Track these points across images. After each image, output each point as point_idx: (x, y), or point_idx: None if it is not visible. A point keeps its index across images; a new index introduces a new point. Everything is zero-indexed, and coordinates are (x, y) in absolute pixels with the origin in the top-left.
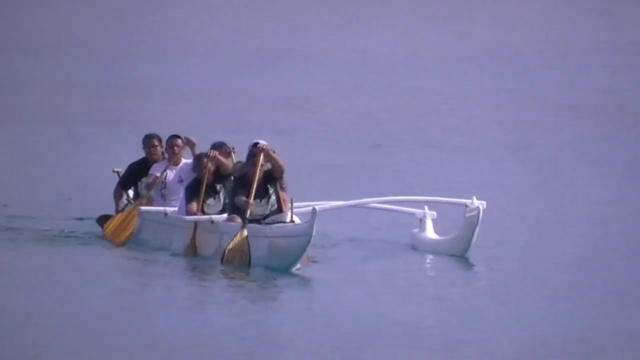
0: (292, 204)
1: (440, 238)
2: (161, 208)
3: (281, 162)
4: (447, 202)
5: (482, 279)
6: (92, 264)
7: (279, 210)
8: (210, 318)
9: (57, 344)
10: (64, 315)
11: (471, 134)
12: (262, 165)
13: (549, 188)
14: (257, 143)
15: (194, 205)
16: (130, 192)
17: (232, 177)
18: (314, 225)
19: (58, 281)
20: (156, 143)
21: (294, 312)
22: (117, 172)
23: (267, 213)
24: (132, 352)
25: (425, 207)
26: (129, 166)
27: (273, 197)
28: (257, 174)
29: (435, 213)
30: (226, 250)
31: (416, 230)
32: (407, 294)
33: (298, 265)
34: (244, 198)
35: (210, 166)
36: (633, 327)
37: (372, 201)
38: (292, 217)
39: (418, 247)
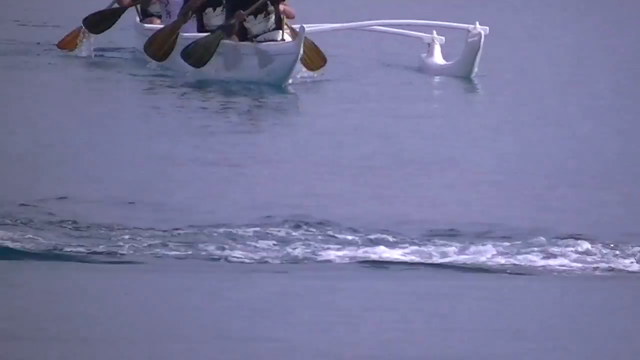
0: (285, 22)
1: (446, 63)
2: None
3: None
4: (449, 27)
5: (483, 102)
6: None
7: (278, 29)
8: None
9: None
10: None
11: None
12: None
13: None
14: None
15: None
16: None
17: None
18: (301, 44)
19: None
20: None
21: (281, 133)
22: None
23: (264, 31)
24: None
25: (434, 31)
26: None
27: (272, 16)
28: None
29: (443, 38)
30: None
31: (424, 54)
32: (401, 116)
33: (290, 80)
34: (241, 11)
35: None
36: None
37: (376, 24)
38: (283, 35)
39: (425, 71)
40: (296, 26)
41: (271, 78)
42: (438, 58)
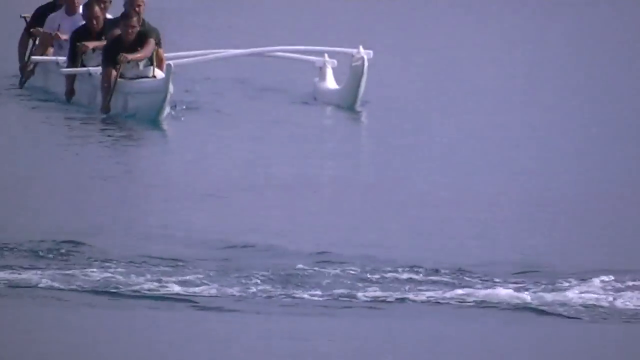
0: (156, 60)
1: (334, 88)
2: (53, 58)
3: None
4: (334, 52)
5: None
6: None
7: (150, 66)
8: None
9: None
10: None
11: None
12: (134, 27)
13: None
14: None
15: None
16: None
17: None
18: (169, 82)
19: None
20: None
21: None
22: (25, 18)
23: (138, 74)
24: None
25: (326, 55)
26: (36, 10)
27: (146, 60)
28: (129, 37)
29: (335, 61)
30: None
31: (316, 79)
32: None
33: (165, 114)
34: (124, 55)
35: (99, 14)
36: None
37: (264, 51)
38: (154, 72)
39: (318, 97)
40: (190, 53)
41: (143, 114)
42: (330, 82)
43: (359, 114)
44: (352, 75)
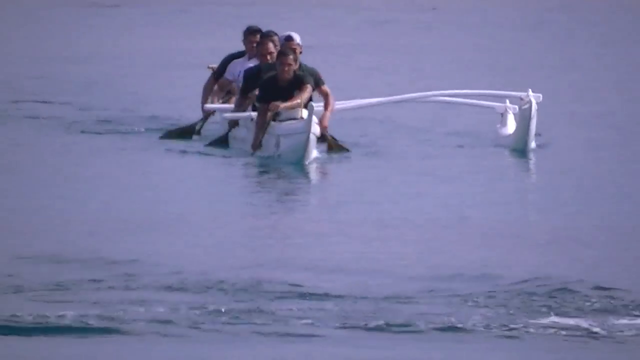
0: (306, 100)
1: (508, 133)
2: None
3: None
4: (500, 96)
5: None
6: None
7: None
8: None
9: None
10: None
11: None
12: (291, 65)
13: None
14: (290, 37)
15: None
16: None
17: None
18: (311, 123)
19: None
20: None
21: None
22: (212, 68)
23: (289, 116)
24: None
25: (507, 100)
26: (225, 58)
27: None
28: (285, 75)
29: (517, 107)
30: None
31: (498, 125)
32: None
33: (312, 158)
34: (275, 103)
35: (272, 50)
36: None
37: (434, 94)
38: (301, 112)
39: (499, 142)
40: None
41: (289, 156)
42: (512, 128)
43: (529, 157)
44: (521, 119)
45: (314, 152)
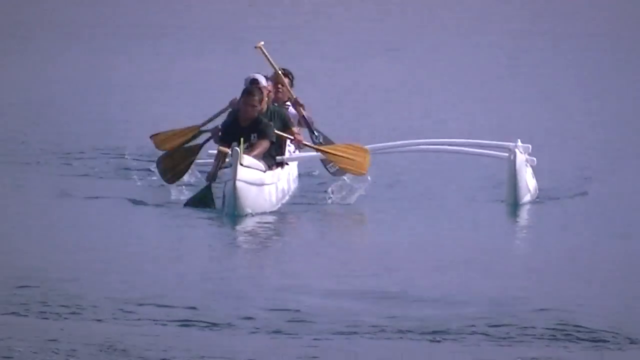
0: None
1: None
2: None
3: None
4: (486, 146)
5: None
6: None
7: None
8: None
9: None
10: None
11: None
12: (254, 106)
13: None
14: (255, 80)
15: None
16: None
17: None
18: (237, 169)
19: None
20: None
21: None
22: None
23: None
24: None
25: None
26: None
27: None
28: (247, 114)
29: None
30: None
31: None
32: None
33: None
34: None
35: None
36: None
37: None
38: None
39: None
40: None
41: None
42: (529, 178)
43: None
44: (508, 170)
45: (255, 203)
